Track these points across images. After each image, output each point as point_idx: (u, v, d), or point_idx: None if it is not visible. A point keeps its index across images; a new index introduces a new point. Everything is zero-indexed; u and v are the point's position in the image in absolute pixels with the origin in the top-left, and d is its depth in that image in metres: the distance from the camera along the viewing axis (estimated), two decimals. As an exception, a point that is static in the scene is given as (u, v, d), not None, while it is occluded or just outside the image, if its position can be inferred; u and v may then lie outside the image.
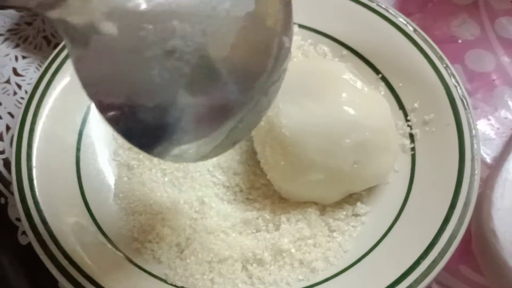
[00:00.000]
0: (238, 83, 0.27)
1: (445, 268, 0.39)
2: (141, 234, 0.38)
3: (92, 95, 0.24)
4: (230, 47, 0.26)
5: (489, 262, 0.35)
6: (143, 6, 0.24)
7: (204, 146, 0.28)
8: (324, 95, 0.37)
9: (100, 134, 0.42)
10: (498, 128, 0.45)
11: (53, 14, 0.24)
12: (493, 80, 0.48)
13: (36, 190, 0.38)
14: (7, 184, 0.42)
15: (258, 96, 0.29)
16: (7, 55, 0.48)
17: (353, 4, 0.45)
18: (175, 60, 0.24)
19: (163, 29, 0.24)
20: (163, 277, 0.36)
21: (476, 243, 0.36)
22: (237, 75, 0.27)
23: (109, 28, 0.23)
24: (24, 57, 0.48)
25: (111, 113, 0.25)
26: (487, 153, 0.44)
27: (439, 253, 0.34)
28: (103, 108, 0.25)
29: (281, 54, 0.29)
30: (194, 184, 0.40)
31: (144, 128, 0.26)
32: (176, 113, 0.26)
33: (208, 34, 0.25)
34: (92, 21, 0.23)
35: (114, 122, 0.25)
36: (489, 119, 0.46)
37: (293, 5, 0.31)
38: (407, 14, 0.51)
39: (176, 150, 0.27)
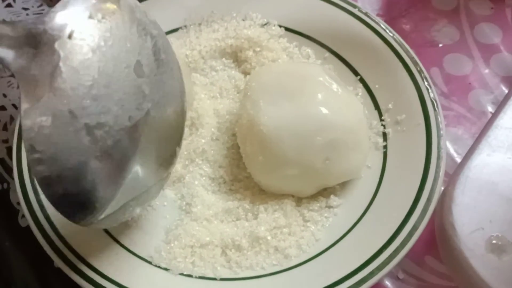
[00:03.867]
0: (143, 165, 0.34)
1: (412, 259, 0.42)
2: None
3: (28, 149, 0.29)
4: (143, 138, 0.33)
5: (448, 252, 0.37)
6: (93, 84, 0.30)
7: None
8: (300, 96, 0.40)
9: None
10: (470, 129, 0.48)
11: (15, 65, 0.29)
12: (469, 83, 0.50)
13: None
14: (10, 170, 0.45)
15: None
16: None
17: (336, 9, 0.48)
18: (103, 132, 0.31)
19: (103, 106, 0.30)
20: (149, 259, 0.39)
21: (438, 235, 0.39)
22: (143, 159, 0.34)
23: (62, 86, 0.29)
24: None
25: (40, 169, 0.29)
26: (458, 152, 0.47)
27: (401, 243, 0.37)
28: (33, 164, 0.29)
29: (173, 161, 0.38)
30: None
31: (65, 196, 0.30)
32: (89, 177, 0.31)
33: (131, 121, 0.32)
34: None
35: (43, 185, 0.30)
36: (462, 120, 0.48)
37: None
38: (391, 18, 0.54)
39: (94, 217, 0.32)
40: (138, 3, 0.35)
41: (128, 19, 0.33)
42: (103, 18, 0.32)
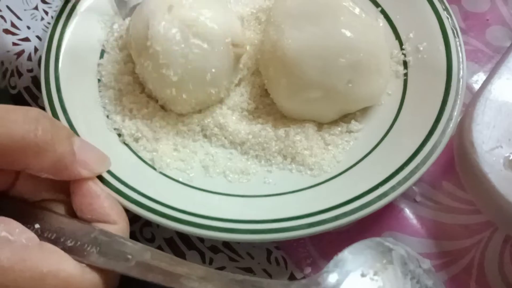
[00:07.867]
0: None
1: (430, 183, 0.43)
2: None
3: None
4: None
5: (467, 170, 0.38)
6: None
7: None
8: (324, 19, 0.40)
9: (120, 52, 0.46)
10: (487, 63, 0.48)
11: None
12: (487, 19, 0.51)
13: (64, 101, 0.42)
14: (35, 98, 0.46)
15: None
16: (35, -15, 0.52)
17: None
18: None
19: None
20: (186, 182, 0.41)
21: (457, 156, 0.40)
22: None
23: None
24: (50, -13, 0.52)
25: None
26: (476, 84, 0.47)
27: (422, 160, 0.38)
28: None
29: None
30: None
31: None
32: None
33: None
34: None
35: None
36: (479, 55, 0.49)
37: None
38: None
39: None
40: (410, 250, 0.35)
41: (401, 273, 0.34)
42: (375, 275, 0.33)
